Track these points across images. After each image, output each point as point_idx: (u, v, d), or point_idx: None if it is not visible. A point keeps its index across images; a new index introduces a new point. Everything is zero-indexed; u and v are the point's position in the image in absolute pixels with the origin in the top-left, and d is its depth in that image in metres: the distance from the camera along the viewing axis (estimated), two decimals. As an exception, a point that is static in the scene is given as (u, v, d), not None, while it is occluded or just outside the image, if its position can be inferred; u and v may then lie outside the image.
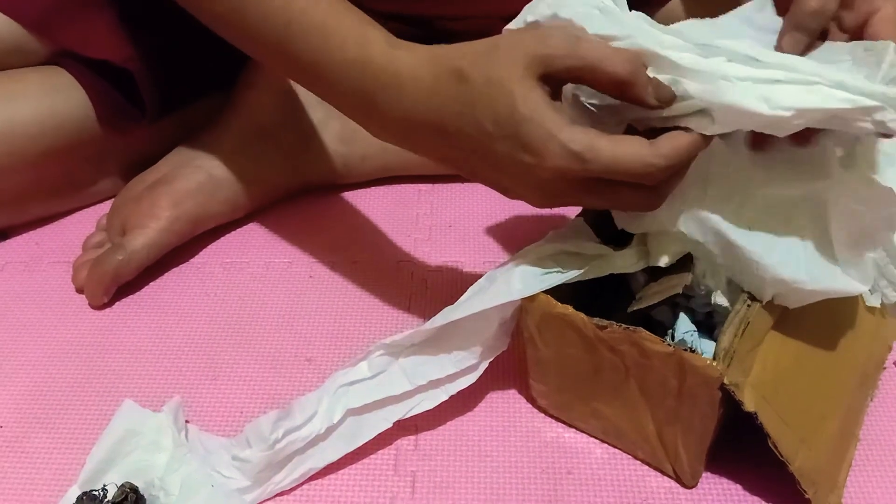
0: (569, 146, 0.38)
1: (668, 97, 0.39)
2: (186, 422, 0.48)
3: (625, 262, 0.44)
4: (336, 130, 0.65)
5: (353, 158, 0.65)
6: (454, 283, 0.57)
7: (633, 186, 0.39)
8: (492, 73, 0.39)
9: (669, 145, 0.38)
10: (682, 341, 0.44)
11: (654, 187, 0.39)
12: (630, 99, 0.39)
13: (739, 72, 0.37)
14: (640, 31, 0.39)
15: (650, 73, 0.39)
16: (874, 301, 0.46)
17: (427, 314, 0.53)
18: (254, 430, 0.43)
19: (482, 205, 0.64)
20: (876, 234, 0.40)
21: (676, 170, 0.39)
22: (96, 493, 0.43)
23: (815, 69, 0.37)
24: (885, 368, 0.49)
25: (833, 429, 0.44)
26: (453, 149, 0.42)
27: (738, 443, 0.43)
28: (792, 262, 0.40)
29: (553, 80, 0.40)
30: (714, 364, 0.39)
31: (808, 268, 0.40)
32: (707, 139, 0.39)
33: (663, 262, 0.43)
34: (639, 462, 0.46)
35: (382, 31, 0.45)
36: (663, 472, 0.45)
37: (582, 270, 0.43)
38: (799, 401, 0.43)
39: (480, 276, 0.45)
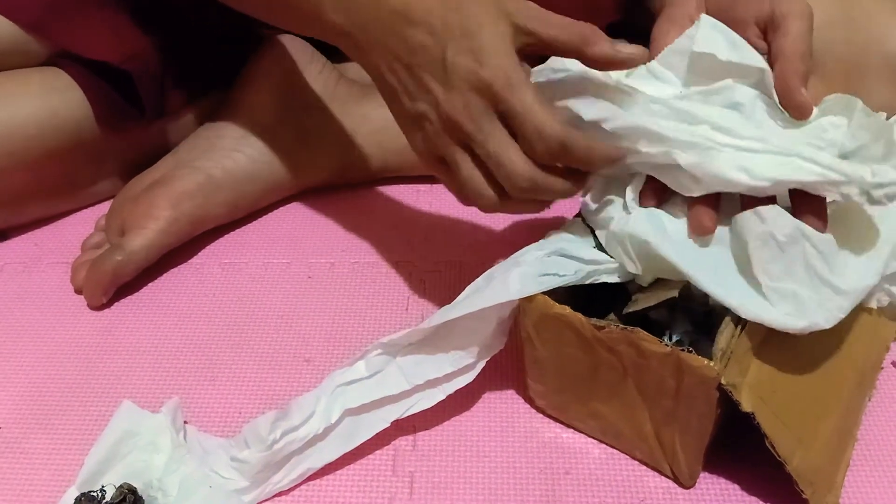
0: (508, 71, 0.41)
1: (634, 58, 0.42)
2: (185, 422, 0.48)
3: (619, 271, 0.44)
4: (335, 131, 0.65)
5: (352, 159, 0.65)
6: (452, 284, 0.57)
7: (505, 168, 0.42)
8: None
9: (575, 133, 0.41)
10: (680, 342, 0.44)
11: (511, 185, 0.42)
12: (594, 55, 0.41)
13: (722, 140, 0.41)
14: (630, 103, 0.42)
15: (643, 146, 0.42)
16: (871, 304, 0.46)
17: (425, 314, 0.53)
18: (252, 431, 0.43)
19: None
20: (792, 267, 0.40)
21: (561, 159, 0.42)
22: (94, 494, 0.43)
23: (789, 143, 0.41)
24: (882, 369, 0.49)
25: (831, 429, 0.44)
26: (403, 41, 0.43)
27: (736, 443, 0.43)
28: (726, 288, 0.41)
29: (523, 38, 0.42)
30: (711, 364, 0.39)
31: (739, 296, 0.41)
32: (607, 164, 0.42)
33: (645, 281, 0.44)
34: (636, 462, 0.46)
35: None
36: (661, 472, 0.45)
37: (578, 276, 0.43)
38: (796, 401, 0.43)
39: (478, 276, 0.45)
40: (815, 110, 0.42)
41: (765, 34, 0.45)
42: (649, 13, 0.54)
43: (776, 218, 0.40)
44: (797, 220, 0.40)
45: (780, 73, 0.42)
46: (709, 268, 0.41)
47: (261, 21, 0.56)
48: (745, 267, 0.41)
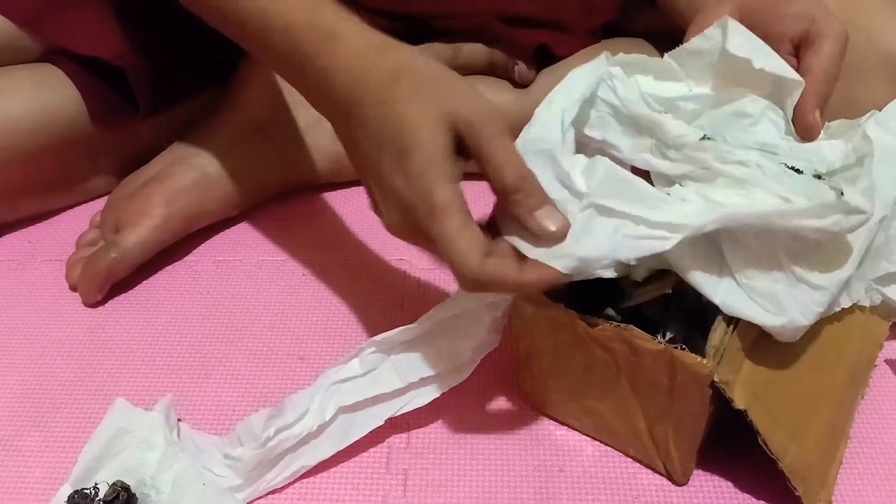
0: (432, 194, 0.38)
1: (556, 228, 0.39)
2: (178, 420, 0.48)
3: (613, 266, 0.44)
4: (330, 128, 0.64)
5: (346, 157, 0.65)
6: (447, 282, 0.57)
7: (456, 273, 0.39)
8: (423, 95, 0.39)
9: (496, 271, 0.38)
10: (674, 339, 0.44)
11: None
12: (511, 211, 0.39)
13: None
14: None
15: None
16: (864, 301, 0.46)
17: (420, 313, 0.53)
18: (245, 429, 0.43)
19: (475, 203, 0.64)
20: (773, 265, 0.40)
21: (488, 292, 0.40)
22: (88, 491, 0.43)
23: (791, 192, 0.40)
24: (875, 366, 0.50)
25: (823, 426, 0.44)
26: (350, 139, 0.43)
27: (729, 440, 0.43)
28: (713, 284, 0.41)
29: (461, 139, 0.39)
30: (704, 362, 0.39)
31: (723, 293, 0.40)
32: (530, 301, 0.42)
33: (639, 276, 0.44)
34: (630, 459, 0.46)
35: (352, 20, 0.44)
36: (654, 470, 0.45)
37: None
38: (789, 398, 0.43)
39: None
40: (822, 133, 0.43)
41: (797, 50, 0.45)
42: (677, 14, 0.54)
43: (751, 226, 0.40)
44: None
45: (803, 90, 0.43)
46: (698, 264, 0.41)
47: None
48: (726, 264, 0.41)
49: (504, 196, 0.39)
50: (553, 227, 0.38)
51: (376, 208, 0.42)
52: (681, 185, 0.42)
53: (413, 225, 0.39)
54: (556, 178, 0.41)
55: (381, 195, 0.41)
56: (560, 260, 0.38)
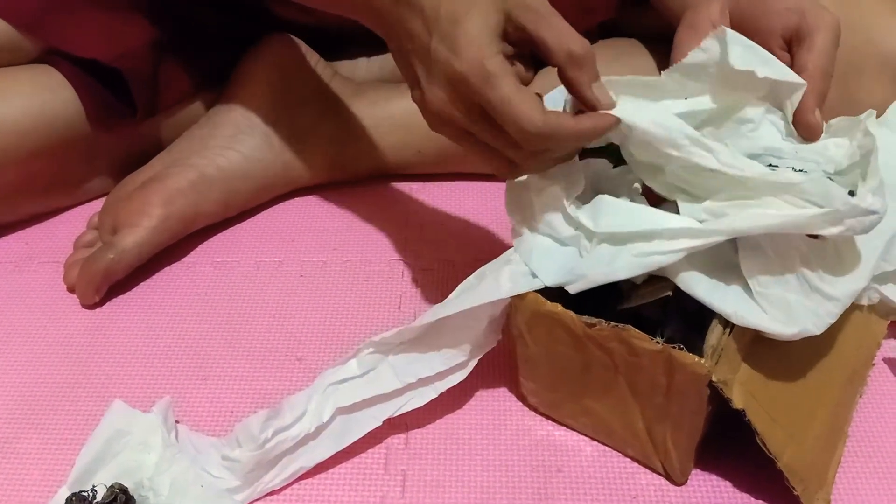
0: (484, 62, 0.39)
1: (608, 103, 0.41)
2: (176, 422, 0.48)
3: None
4: (329, 129, 0.65)
5: (344, 157, 0.65)
6: (445, 282, 0.57)
7: (507, 141, 0.41)
8: None
9: (557, 121, 0.40)
10: (671, 339, 0.44)
11: (519, 155, 0.41)
12: (571, 79, 0.40)
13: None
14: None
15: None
16: (862, 300, 0.46)
17: (418, 313, 0.53)
18: (243, 430, 0.43)
19: (473, 203, 0.64)
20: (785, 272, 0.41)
21: (549, 146, 0.40)
22: (86, 493, 0.43)
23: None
24: (873, 365, 0.50)
25: (821, 425, 0.44)
26: (399, 32, 0.43)
27: (728, 439, 0.43)
28: (718, 294, 0.41)
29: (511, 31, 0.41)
30: (702, 361, 0.39)
31: (732, 303, 0.40)
32: (593, 134, 0.41)
33: (639, 278, 0.44)
34: (629, 459, 0.46)
35: None
36: (653, 470, 0.45)
37: None
38: (787, 397, 0.43)
39: (471, 273, 0.45)
40: (824, 132, 0.43)
41: (789, 45, 0.45)
42: (669, 12, 0.53)
43: (767, 235, 0.40)
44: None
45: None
46: (701, 273, 0.41)
47: (258, 16, 0.56)
48: (735, 273, 0.41)
49: (569, 64, 0.40)
50: (606, 100, 0.40)
51: (421, 96, 0.43)
52: (688, 197, 0.42)
53: (463, 97, 0.40)
54: (564, 220, 0.43)
55: (429, 74, 0.42)
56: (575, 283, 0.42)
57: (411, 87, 0.44)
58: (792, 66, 0.44)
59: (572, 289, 0.42)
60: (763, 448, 0.40)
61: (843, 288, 0.40)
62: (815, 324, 0.40)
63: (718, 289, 0.41)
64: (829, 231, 0.38)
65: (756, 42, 0.43)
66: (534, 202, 0.44)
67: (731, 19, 0.46)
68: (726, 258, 0.42)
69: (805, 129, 0.43)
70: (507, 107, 0.39)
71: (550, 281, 0.43)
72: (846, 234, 0.39)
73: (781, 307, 0.40)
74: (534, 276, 0.43)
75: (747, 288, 0.41)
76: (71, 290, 0.58)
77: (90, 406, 0.50)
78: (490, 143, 0.42)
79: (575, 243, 0.43)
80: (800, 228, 0.39)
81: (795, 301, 0.40)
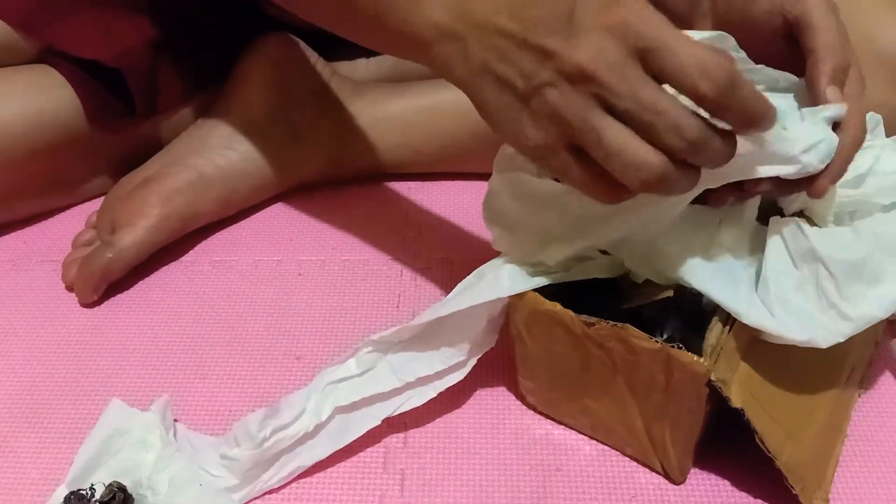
0: (645, 6, 0.33)
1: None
2: (175, 420, 0.48)
3: (611, 266, 0.44)
4: (327, 128, 0.65)
5: (343, 156, 0.65)
6: (443, 281, 0.57)
7: (671, 119, 0.33)
8: None
9: (747, 80, 0.33)
10: (671, 339, 0.44)
11: (681, 144, 0.33)
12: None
13: None
14: None
15: None
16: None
17: (416, 312, 0.53)
18: (242, 429, 0.43)
19: (471, 203, 0.64)
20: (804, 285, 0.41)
21: (729, 102, 0.33)
22: (84, 492, 0.43)
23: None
24: (872, 364, 0.50)
25: (820, 424, 0.44)
26: (519, 20, 0.36)
27: (727, 438, 0.43)
28: (726, 292, 0.41)
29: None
30: (701, 361, 0.39)
31: (744, 303, 0.41)
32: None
33: (639, 278, 0.44)
34: (627, 458, 0.46)
35: None
36: (652, 469, 0.45)
37: (569, 271, 0.43)
38: (786, 396, 0.43)
39: (470, 273, 0.45)
40: None
41: (787, 34, 0.41)
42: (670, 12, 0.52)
43: (795, 234, 0.41)
44: (813, 243, 0.40)
45: (809, 79, 0.39)
46: (710, 272, 0.41)
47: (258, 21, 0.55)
48: (745, 273, 0.42)
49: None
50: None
51: (520, 105, 0.37)
52: None
53: (618, 47, 0.33)
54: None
55: (573, 33, 0.34)
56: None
57: (515, 84, 0.36)
58: (805, 59, 0.40)
59: (551, 259, 0.42)
60: (762, 447, 0.40)
61: (862, 311, 0.40)
62: (824, 338, 0.40)
63: (729, 287, 0.41)
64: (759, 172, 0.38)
65: (749, 49, 0.41)
66: (505, 202, 0.44)
67: (718, 12, 0.45)
68: (738, 257, 0.42)
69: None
70: (686, 46, 0.32)
71: (534, 258, 0.43)
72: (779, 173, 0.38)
73: (795, 314, 0.40)
74: (533, 273, 0.43)
75: (752, 288, 0.41)
76: (69, 288, 0.58)
77: (88, 405, 0.50)
78: (638, 116, 0.33)
79: (548, 221, 0.42)
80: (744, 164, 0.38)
81: (811, 312, 0.40)
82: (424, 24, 0.39)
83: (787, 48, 0.41)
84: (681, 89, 0.33)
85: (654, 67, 0.33)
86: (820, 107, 0.38)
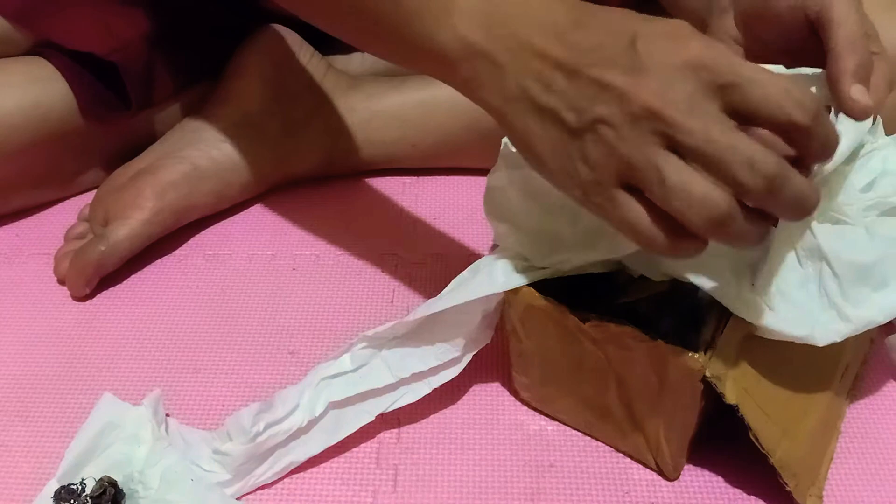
0: (719, 45, 0.32)
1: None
2: (167, 415, 0.47)
3: (607, 261, 0.44)
4: (322, 122, 0.65)
5: (338, 151, 0.65)
6: (439, 276, 0.57)
7: (747, 155, 0.31)
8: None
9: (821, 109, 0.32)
10: (666, 333, 0.44)
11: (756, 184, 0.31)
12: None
13: None
14: None
15: None
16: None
17: (411, 307, 0.53)
18: (235, 423, 0.43)
19: (467, 198, 0.64)
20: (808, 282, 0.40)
21: (812, 138, 0.32)
22: (75, 486, 0.42)
23: None
24: (866, 361, 0.50)
25: (814, 421, 0.44)
26: (568, 46, 0.34)
27: (721, 435, 0.43)
28: (721, 285, 0.40)
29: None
30: (696, 357, 0.39)
31: (742, 298, 0.40)
32: None
33: (635, 272, 0.44)
34: (621, 455, 0.46)
35: None
36: (645, 465, 0.45)
37: (564, 267, 0.43)
38: (780, 393, 0.43)
39: (465, 268, 0.45)
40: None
41: (811, 28, 0.40)
42: (676, 10, 0.51)
43: (803, 231, 0.40)
44: (820, 241, 0.40)
45: (831, 77, 0.38)
46: (706, 266, 0.41)
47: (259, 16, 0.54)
48: (742, 267, 0.41)
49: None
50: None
51: (564, 140, 0.35)
52: None
53: (688, 82, 0.32)
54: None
55: (639, 69, 0.32)
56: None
57: (564, 118, 0.34)
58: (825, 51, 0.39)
59: (561, 269, 0.42)
60: (756, 444, 0.40)
61: (862, 314, 0.40)
62: (821, 336, 0.40)
63: (726, 282, 0.41)
64: None
65: (772, 44, 0.41)
66: (512, 199, 0.43)
67: (741, 27, 0.44)
68: (735, 254, 0.42)
69: (845, 106, 0.37)
70: (770, 79, 0.31)
71: (542, 262, 0.42)
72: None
73: (794, 309, 0.40)
74: (527, 268, 0.43)
75: (751, 285, 0.41)
76: (61, 282, 0.57)
77: (80, 399, 0.49)
78: (705, 153, 0.31)
79: (559, 226, 0.42)
80: None
81: (811, 309, 0.40)
82: (452, 39, 0.37)
83: (811, 42, 0.40)
84: (770, 119, 0.32)
85: (736, 102, 0.32)
86: (844, 120, 0.38)
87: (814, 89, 0.39)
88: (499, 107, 0.37)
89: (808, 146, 0.33)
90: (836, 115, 0.39)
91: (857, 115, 0.37)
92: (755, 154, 0.31)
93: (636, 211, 0.34)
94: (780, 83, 0.32)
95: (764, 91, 0.31)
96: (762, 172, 0.31)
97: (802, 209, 0.33)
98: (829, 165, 0.38)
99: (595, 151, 0.34)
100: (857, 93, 0.36)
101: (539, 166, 0.37)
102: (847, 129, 0.38)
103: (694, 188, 0.32)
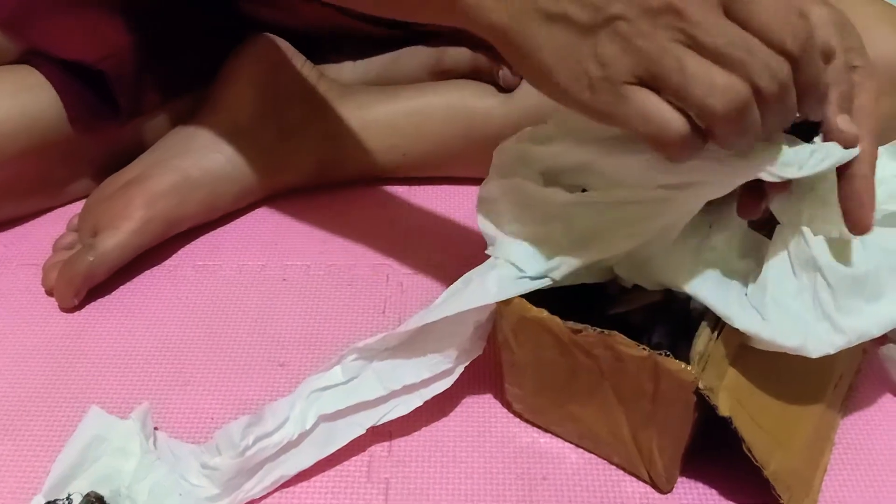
0: None
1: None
2: (155, 428, 0.47)
3: (600, 271, 0.44)
4: (315, 131, 0.64)
5: (330, 160, 0.65)
6: (431, 287, 0.57)
7: (763, 53, 0.32)
8: None
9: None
10: (659, 345, 0.44)
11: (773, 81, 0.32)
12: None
13: None
14: None
15: None
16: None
17: (403, 318, 0.53)
18: (224, 437, 0.43)
19: (459, 207, 0.64)
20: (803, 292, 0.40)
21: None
22: (61, 502, 0.42)
23: None
24: (859, 371, 0.49)
25: (808, 432, 0.44)
26: None
27: (714, 446, 0.43)
28: (717, 295, 0.40)
29: None
30: (689, 368, 0.39)
31: (736, 307, 0.40)
32: None
33: (628, 282, 0.43)
34: (614, 467, 0.45)
35: None
36: (638, 477, 0.45)
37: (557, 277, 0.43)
38: (774, 404, 0.42)
39: (457, 278, 0.45)
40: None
41: None
42: None
43: (798, 241, 0.40)
44: (815, 252, 0.40)
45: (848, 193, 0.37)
46: (700, 276, 0.41)
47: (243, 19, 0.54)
48: (737, 277, 0.41)
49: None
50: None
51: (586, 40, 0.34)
52: None
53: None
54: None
55: None
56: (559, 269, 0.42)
57: (578, 18, 0.34)
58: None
59: (555, 275, 0.42)
60: (749, 456, 0.40)
61: (856, 325, 0.40)
62: (814, 347, 0.39)
63: (720, 291, 0.41)
64: None
65: None
66: (505, 210, 0.43)
67: None
68: (729, 262, 0.42)
69: (833, 137, 0.37)
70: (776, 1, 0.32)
71: (534, 271, 0.42)
72: None
73: (789, 319, 0.40)
74: (520, 279, 0.43)
75: (744, 295, 0.41)
76: (49, 293, 0.57)
77: (67, 411, 0.49)
78: (722, 48, 0.32)
79: (554, 233, 0.42)
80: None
81: (805, 320, 0.40)
82: None
83: None
84: (763, 37, 0.32)
85: (736, 11, 0.33)
86: (828, 148, 0.37)
87: None
88: (504, 24, 0.36)
89: (796, 74, 0.33)
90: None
91: (846, 144, 0.37)
92: (771, 60, 0.32)
93: (650, 100, 0.33)
94: (785, 6, 0.32)
95: (766, 9, 0.32)
96: (778, 78, 0.32)
97: (787, 117, 0.35)
98: (811, 168, 0.37)
99: (609, 48, 0.33)
100: (842, 123, 0.37)
101: (544, 82, 0.36)
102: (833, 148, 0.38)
103: (716, 77, 0.32)
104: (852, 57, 0.37)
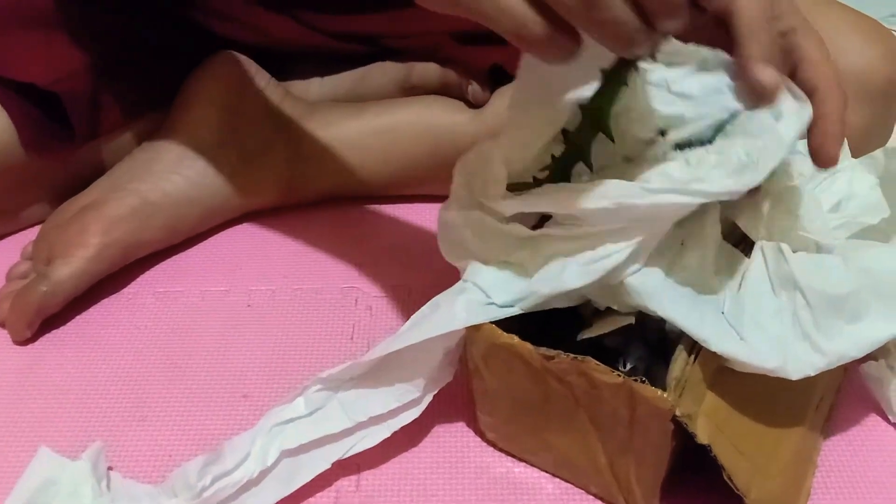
0: None
1: None
2: (109, 468, 0.44)
3: (570, 295, 0.42)
4: (280, 151, 0.63)
5: (296, 180, 0.63)
6: (400, 309, 0.55)
7: None
8: None
9: None
10: (635, 369, 0.42)
11: None
12: None
13: None
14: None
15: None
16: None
17: (372, 343, 0.51)
18: (180, 478, 0.40)
19: (428, 226, 0.62)
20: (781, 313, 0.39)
21: None
22: (7, 551, 0.40)
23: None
24: (840, 391, 0.48)
25: (790, 456, 0.42)
26: None
27: (694, 473, 0.42)
28: (693, 321, 0.39)
29: None
30: (665, 395, 0.37)
31: (709, 329, 0.39)
32: None
33: (601, 305, 0.42)
34: (591, 497, 0.44)
35: None
36: (617, 507, 0.43)
37: (528, 302, 0.41)
38: (754, 427, 0.41)
39: (428, 300, 0.43)
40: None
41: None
42: None
43: (777, 259, 0.39)
44: (794, 270, 0.39)
45: (738, 66, 0.36)
46: (673, 297, 0.40)
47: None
48: (710, 298, 0.40)
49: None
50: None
51: None
52: None
53: None
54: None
55: None
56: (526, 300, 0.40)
57: None
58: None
59: (523, 305, 0.40)
60: (730, 484, 0.38)
61: (836, 347, 0.39)
62: (794, 368, 0.38)
63: (694, 313, 0.39)
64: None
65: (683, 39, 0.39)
66: (469, 239, 0.42)
67: None
68: (703, 280, 0.40)
69: (753, 91, 0.36)
70: None
71: (502, 300, 0.41)
72: None
73: (767, 340, 0.39)
74: (489, 304, 0.41)
75: (720, 314, 0.40)
76: (1, 325, 0.54)
77: (18, 452, 0.46)
78: None
79: (520, 262, 0.41)
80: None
81: (784, 340, 0.39)
82: None
83: (720, 36, 0.38)
84: None
85: None
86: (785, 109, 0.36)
87: (722, 75, 0.37)
88: None
89: None
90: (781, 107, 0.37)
91: (767, 95, 0.36)
92: None
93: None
94: None
95: None
96: None
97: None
98: (775, 157, 0.36)
99: None
100: (761, 73, 0.35)
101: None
102: (790, 118, 0.36)
103: None
104: (782, 21, 0.36)
